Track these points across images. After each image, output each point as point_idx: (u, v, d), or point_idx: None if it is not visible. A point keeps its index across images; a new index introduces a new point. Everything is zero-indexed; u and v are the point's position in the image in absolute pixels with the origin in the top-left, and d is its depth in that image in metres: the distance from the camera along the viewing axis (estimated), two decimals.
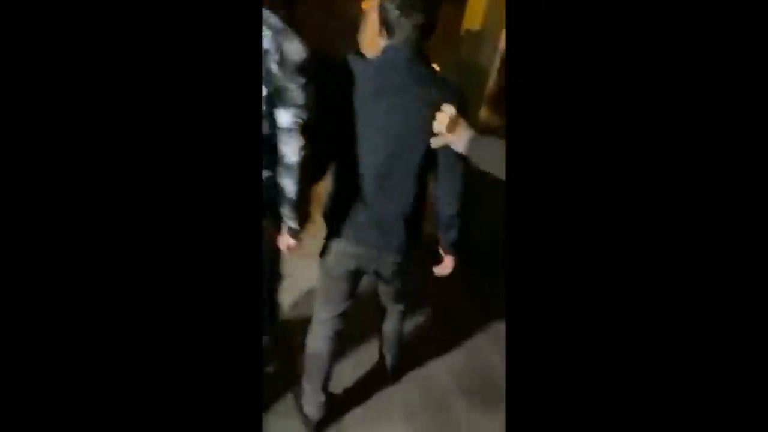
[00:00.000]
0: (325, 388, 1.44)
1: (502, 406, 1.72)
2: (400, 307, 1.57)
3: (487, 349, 2.00)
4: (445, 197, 1.20)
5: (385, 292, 1.47)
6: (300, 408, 1.47)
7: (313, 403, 1.44)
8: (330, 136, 1.13)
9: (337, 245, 1.25)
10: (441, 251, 1.33)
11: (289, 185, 1.12)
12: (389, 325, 1.64)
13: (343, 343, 1.45)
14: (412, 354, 1.87)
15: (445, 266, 1.35)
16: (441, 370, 1.86)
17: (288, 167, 1.09)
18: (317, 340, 1.39)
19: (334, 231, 1.24)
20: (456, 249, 1.30)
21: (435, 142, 1.09)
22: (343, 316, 1.38)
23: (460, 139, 1.06)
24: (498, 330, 2.11)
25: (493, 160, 0.99)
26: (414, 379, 1.80)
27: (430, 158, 1.14)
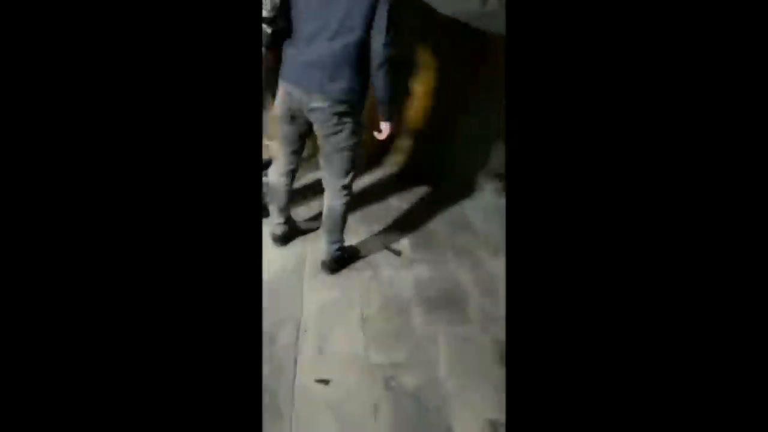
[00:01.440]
0: (282, 212, 1.76)
1: (464, 320, 1.77)
2: (343, 181, 1.57)
3: (454, 263, 1.98)
4: (376, 41, 1.28)
5: (325, 155, 1.53)
6: (271, 225, 1.81)
7: (274, 223, 1.78)
8: None
9: (282, 86, 1.44)
10: (379, 118, 1.48)
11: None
12: (329, 207, 1.64)
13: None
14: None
15: (384, 131, 1.52)
16: (405, 280, 1.85)
17: None
18: (275, 175, 1.66)
19: (282, 73, 1.43)
20: (390, 111, 1.45)
21: None
22: (295, 154, 1.60)
23: None
24: (468, 245, 2.09)
25: None
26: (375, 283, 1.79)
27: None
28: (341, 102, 1.38)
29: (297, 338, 1.51)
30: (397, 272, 1.88)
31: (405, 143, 2.42)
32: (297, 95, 1.41)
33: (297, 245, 1.89)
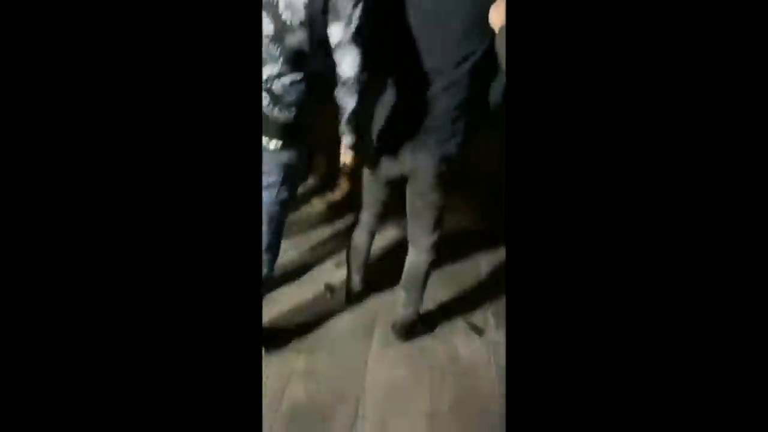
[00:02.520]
0: (359, 271, 1.69)
1: None
2: (432, 238, 1.45)
3: None
4: (493, 94, 1.23)
5: (415, 211, 1.42)
6: (348, 284, 1.74)
7: (354, 280, 1.72)
8: (387, 51, 1.18)
9: (378, 151, 1.32)
10: None
11: (347, 101, 1.11)
12: (412, 264, 1.51)
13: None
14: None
15: None
16: (487, 367, 1.58)
17: (345, 82, 1.08)
18: (359, 235, 1.61)
19: (379, 131, 1.29)
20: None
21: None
22: (380, 216, 1.55)
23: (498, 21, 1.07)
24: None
25: None
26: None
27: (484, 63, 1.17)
28: (449, 160, 1.28)
29: (353, 425, 1.33)
30: (478, 355, 1.62)
31: None
32: (401, 160, 1.30)
33: (369, 307, 1.73)
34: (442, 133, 1.23)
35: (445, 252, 1.62)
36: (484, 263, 2.05)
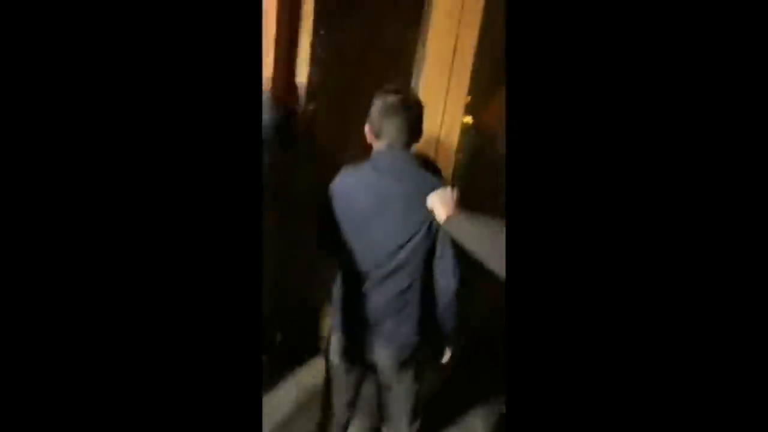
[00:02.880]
0: None
1: None
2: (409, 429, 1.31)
3: None
4: (442, 277, 1.14)
5: (388, 403, 1.31)
6: None
7: None
8: (333, 235, 1.16)
9: (339, 336, 1.25)
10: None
11: None
12: None
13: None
14: None
15: (446, 356, 1.29)
16: None
17: None
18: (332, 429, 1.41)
19: (336, 324, 1.25)
20: (453, 339, 1.24)
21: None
22: (351, 404, 1.38)
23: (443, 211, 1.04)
24: None
25: (477, 239, 0.98)
26: None
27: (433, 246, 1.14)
28: (410, 347, 1.22)
29: None
30: None
31: None
32: (363, 350, 1.24)
33: None
34: (393, 319, 1.17)
35: (432, 417, 1.43)
36: (479, 425, 1.79)
